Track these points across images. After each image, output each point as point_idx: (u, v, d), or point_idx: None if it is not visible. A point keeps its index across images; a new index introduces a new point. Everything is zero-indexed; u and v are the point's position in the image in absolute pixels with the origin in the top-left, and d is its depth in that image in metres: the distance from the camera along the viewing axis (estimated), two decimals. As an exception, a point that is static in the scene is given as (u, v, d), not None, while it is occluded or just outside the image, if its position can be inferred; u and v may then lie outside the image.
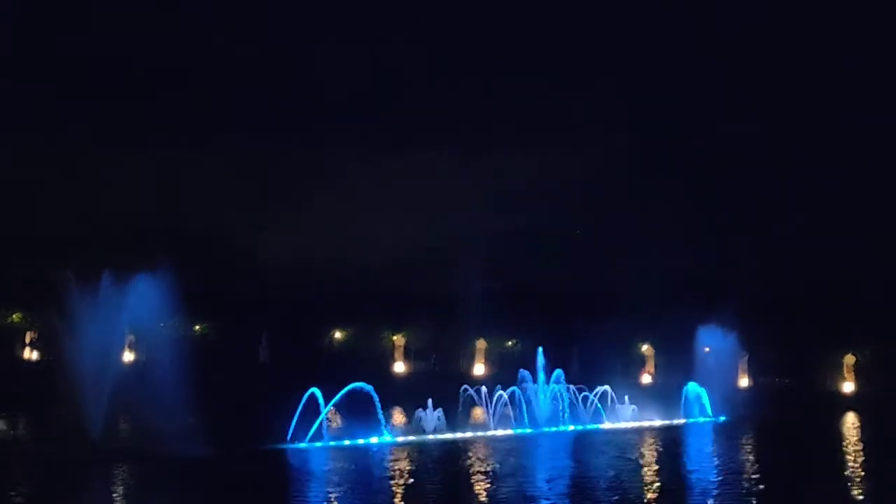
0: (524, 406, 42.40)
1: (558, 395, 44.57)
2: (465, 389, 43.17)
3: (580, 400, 45.04)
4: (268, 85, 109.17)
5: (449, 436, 37.08)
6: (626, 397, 46.64)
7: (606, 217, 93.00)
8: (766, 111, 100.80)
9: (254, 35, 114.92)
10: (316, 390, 34.07)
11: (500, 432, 39.16)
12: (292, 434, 32.37)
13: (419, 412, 38.07)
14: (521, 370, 45.67)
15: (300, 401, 33.28)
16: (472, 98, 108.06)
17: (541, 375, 45.60)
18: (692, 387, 49.47)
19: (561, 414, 43.48)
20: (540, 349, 46.88)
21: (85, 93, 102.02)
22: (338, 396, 34.65)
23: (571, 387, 44.96)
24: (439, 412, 38.19)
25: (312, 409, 33.33)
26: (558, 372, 45.83)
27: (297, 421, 32.63)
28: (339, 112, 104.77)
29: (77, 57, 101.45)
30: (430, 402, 38.12)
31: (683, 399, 48.58)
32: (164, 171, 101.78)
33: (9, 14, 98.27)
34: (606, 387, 46.18)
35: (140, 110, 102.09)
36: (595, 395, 45.69)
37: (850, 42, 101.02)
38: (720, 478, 28.24)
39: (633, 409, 46.11)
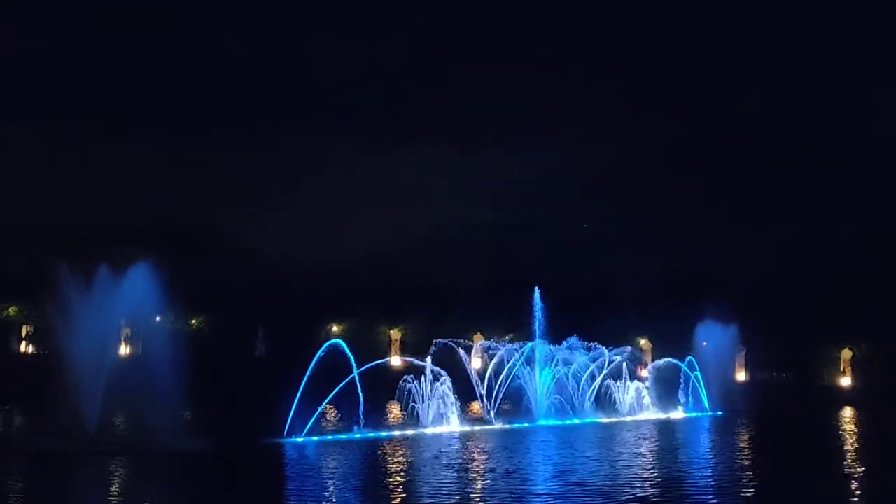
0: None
1: (563, 377, 43.54)
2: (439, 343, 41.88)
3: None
4: (265, 81, 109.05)
5: (446, 429, 37.00)
6: (624, 362, 46.28)
7: (605, 213, 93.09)
8: (766, 111, 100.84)
9: (252, 33, 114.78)
10: (339, 342, 33.96)
11: (498, 426, 39.06)
12: (289, 428, 32.25)
13: (407, 383, 37.64)
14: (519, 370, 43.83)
15: (296, 393, 33.16)
16: (470, 96, 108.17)
17: (537, 372, 44.24)
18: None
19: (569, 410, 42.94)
20: (536, 289, 44.53)
21: (83, 88, 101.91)
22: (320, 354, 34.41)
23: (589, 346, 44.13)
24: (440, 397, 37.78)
25: (310, 402, 33.22)
26: (572, 342, 44.25)
27: (294, 415, 32.50)
28: (337, 109, 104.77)
29: (76, 54, 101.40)
30: (428, 359, 37.56)
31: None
32: (162, 165, 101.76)
33: (10, 12, 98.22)
34: (628, 348, 45.75)
35: (138, 106, 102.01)
36: (624, 355, 45.12)
37: (850, 42, 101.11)
38: (717, 472, 28.20)
39: (639, 387, 45.90)
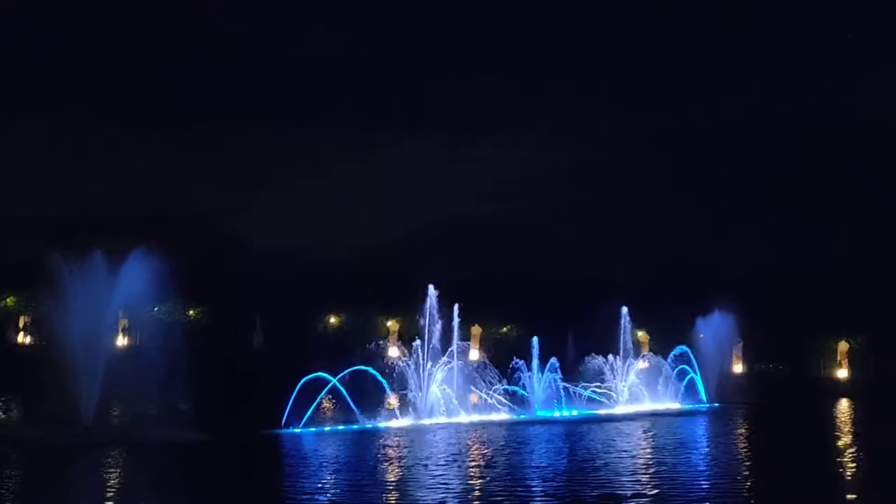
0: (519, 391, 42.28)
1: (551, 383, 44.17)
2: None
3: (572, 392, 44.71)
4: (264, 74, 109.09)
5: (443, 420, 36.98)
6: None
7: (602, 204, 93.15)
8: (765, 108, 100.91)
9: (249, 27, 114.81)
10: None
11: (495, 417, 39.02)
12: (286, 419, 32.21)
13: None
14: (516, 360, 44.72)
15: (295, 385, 33.09)
16: (467, 93, 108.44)
17: (535, 363, 44.58)
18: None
19: (555, 402, 43.30)
20: (535, 339, 45.51)
21: (81, 81, 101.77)
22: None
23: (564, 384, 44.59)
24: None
25: (307, 393, 33.19)
26: (553, 361, 45.05)
27: (292, 406, 32.45)
28: (335, 105, 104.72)
29: (73, 49, 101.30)
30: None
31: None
32: (159, 155, 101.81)
33: (3, 5, 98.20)
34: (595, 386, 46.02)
35: (136, 94, 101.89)
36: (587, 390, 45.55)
37: (850, 42, 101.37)
38: (713, 466, 28.23)
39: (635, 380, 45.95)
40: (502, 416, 39.54)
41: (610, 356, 46.80)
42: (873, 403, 51.24)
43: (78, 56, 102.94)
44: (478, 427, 36.01)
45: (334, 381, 34.54)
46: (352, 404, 34.62)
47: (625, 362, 47.62)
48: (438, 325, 40.28)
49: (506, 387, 41.75)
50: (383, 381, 36.88)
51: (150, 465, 25.53)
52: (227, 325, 70.56)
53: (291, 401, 32.50)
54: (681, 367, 49.60)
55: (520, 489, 22.63)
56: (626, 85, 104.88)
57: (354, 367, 36.54)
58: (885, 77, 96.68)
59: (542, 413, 41.78)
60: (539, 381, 43.99)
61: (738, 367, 66.85)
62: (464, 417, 38.22)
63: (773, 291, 67.74)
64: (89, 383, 29.80)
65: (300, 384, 33.42)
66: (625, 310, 49.27)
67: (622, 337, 48.57)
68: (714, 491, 23.26)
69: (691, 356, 50.12)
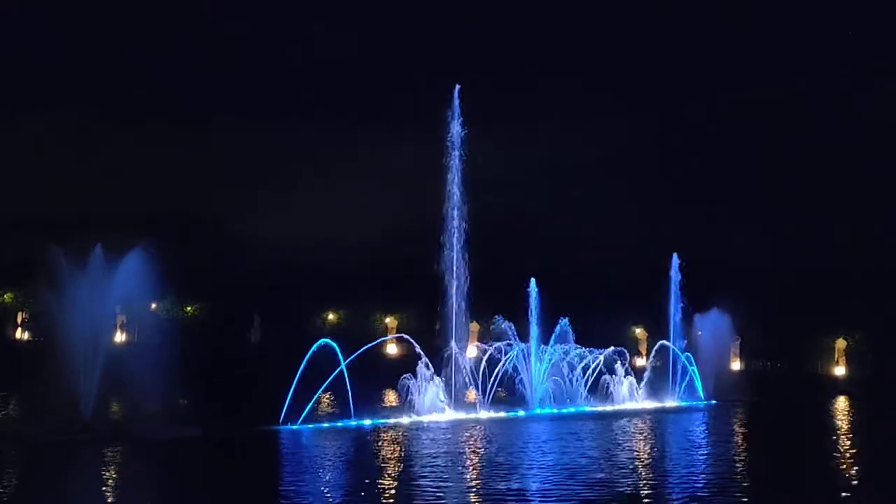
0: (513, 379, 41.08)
1: (559, 362, 42.15)
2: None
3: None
4: (264, 74, 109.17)
5: (441, 417, 36.98)
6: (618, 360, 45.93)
7: (600, 200, 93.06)
8: (762, 97, 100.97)
9: (249, 23, 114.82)
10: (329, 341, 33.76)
11: (493, 414, 38.90)
12: (285, 415, 32.22)
13: (408, 381, 37.56)
14: (499, 318, 42.54)
15: (292, 381, 33.10)
16: (465, 91, 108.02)
17: (533, 331, 42.63)
18: None
19: (565, 393, 41.79)
20: (532, 282, 42.68)
21: (80, 79, 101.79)
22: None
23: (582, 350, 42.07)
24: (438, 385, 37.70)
25: (306, 390, 33.20)
26: (563, 325, 42.55)
27: (290, 402, 32.46)
28: (334, 99, 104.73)
29: (71, 45, 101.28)
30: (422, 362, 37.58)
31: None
32: (160, 155, 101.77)
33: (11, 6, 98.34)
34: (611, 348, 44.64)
35: (135, 93, 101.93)
36: (607, 352, 43.75)
37: (848, 39, 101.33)
38: (711, 463, 28.26)
39: (633, 382, 45.67)
40: (500, 413, 39.24)
41: (613, 376, 45.99)
42: (871, 400, 51.31)
43: (78, 56, 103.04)
44: (478, 424, 35.98)
45: (344, 364, 34.40)
46: (350, 402, 34.52)
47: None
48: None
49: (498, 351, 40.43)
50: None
51: (148, 461, 25.57)
52: (225, 321, 70.70)
53: (289, 397, 32.47)
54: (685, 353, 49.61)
55: (519, 487, 22.69)
56: (626, 85, 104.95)
57: (374, 342, 36.38)
58: (885, 76, 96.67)
59: (539, 410, 41.00)
60: (539, 359, 42.51)
61: (735, 365, 66.92)
62: (461, 414, 38.12)
63: (771, 289, 67.78)
64: (88, 379, 29.84)
65: (307, 356, 33.34)
66: (620, 367, 48.01)
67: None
68: (712, 487, 23.32)
69: (694, 373, 50.05)
